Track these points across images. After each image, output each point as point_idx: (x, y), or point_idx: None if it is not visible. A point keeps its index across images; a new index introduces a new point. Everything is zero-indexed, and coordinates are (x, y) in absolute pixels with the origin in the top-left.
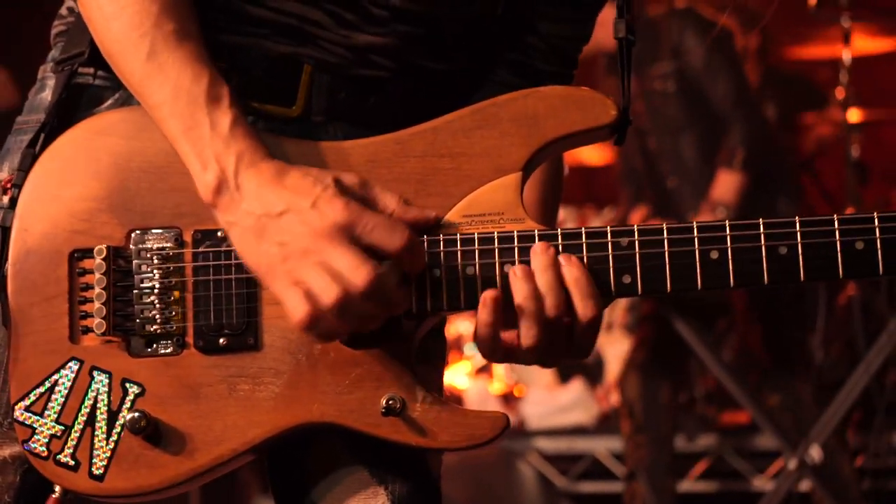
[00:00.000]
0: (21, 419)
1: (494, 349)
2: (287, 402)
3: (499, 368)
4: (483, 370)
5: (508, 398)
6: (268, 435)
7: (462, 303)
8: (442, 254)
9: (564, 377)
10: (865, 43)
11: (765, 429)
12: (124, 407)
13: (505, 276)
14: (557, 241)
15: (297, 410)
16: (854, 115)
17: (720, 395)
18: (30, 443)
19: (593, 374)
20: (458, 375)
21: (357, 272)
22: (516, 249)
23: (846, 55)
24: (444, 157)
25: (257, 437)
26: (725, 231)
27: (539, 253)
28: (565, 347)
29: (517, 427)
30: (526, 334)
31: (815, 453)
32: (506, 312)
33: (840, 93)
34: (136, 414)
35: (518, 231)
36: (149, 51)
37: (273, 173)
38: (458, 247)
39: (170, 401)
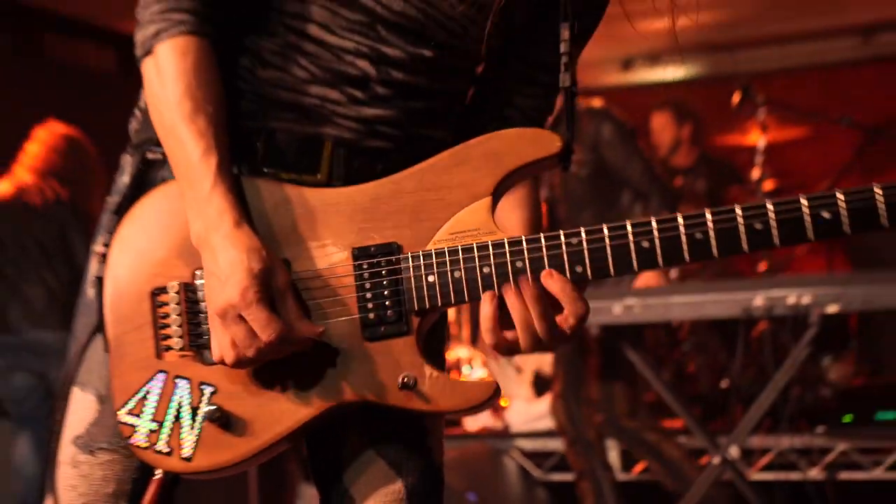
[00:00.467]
0: (124, 420)
1: (498, 342)
2: (326, 387)
3: None
4: None
5: (496, 408)
6: (313, 415)
7: (452, 299)
8: (434, 262)
9: (539, 392)
10: (777, 132)
11: (695, 432)
12: (202, 403)
13: (486, 276)
14: (522, 245)
15: (334, 393)
16: (768, 186)
17: (662, 406)
18: (132, 438)
19: None
20: None
21: (227, 351)
22: (491, 255)
23: (761, 142)
24: (430, 191)
25: (305, 416)
26: (653, 226)
27: (525, 284)
28: (556, 340)
29: (503, 430)
30: (522, 337)
31: (733, 451)
32: (502, 310)
33: (756, 172)
34: (213, 408)
35: (491, 241)
36: (170, 126)
37: (228, 239)
38: (447, 256)
39: (237, 394)
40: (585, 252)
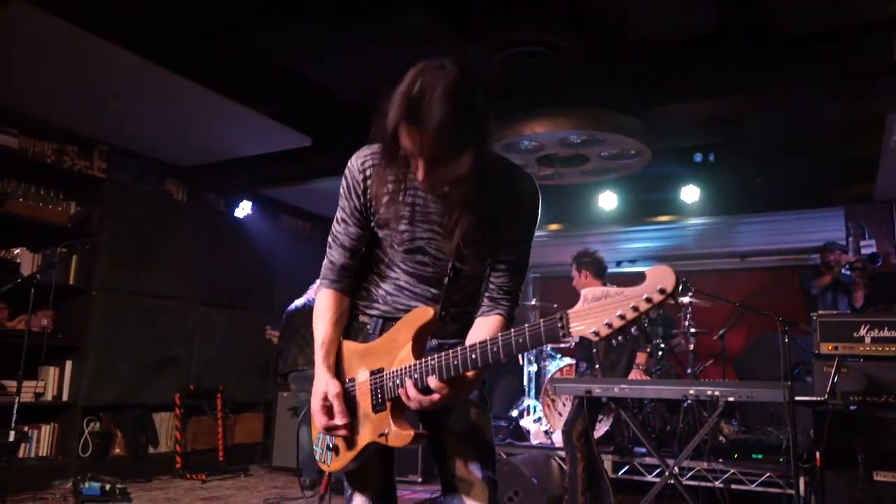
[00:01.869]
0: (315, 450)
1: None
2: (360, 435)
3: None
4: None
5: (548, 433)
6: (357, 451)
7: (395, 392)
8: (391, 375)
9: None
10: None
11: (654, 454)
12: (330, 443)
13: (393, 388)
14: (407, 368)
15: (361, 439)
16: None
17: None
18: (317, 455)
19: None
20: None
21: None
22: (400, 373)
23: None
24: (395, 341)
25: (355, 452)
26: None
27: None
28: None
29: (550, 444)
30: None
31: (676, 469)
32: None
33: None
34: (331, 445)
35: (400, 367)
36: (315, 325)
37: (318, 375)
38: (394, 372)
39: (339, 441)
40: (430, 366)
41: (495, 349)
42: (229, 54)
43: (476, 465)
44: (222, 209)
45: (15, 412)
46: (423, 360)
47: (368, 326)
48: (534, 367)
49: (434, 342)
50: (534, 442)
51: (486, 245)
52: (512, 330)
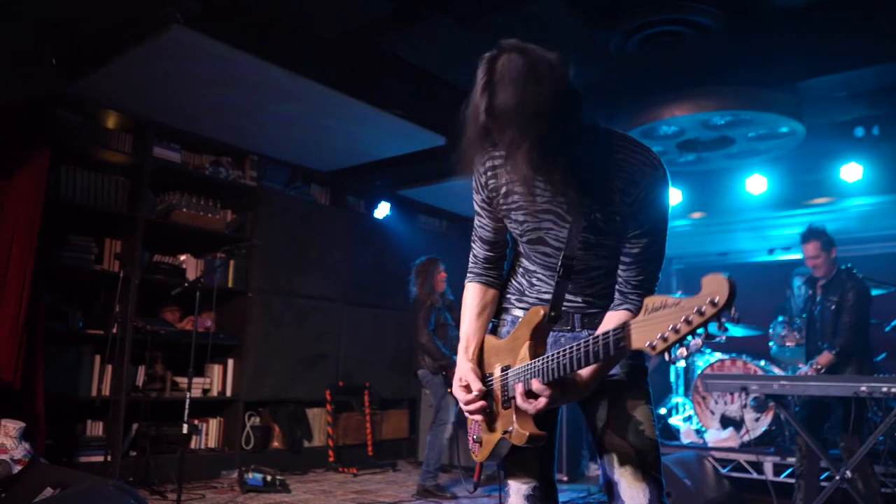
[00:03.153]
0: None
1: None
2: (493, 430)
3: None
4: None
5: (699, 433)
6: (495, 441)
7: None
8: (517, 373)
9: (724, 426)
10: None
11: (821, 455)
12: (477, 433)
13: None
14: (528, 366)
15: (496, 431)
16: None
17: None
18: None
19: None
20: None
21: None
22: (523, 370)
23: None
24: (517, 340)
25: (493, 441)
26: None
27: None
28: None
29: (703, 445)
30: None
31: (849, 473)
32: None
33: None
34: (476, 436)
35: (521, 365)
36: (463, 317)
37: (459, 363)
38: (519, 370)
39: (482, 435)
40: (539, 369)
41: (565, 361)
42: (363, 58)
43: (635, 465)
44: (363, 211)
45: (187, 407)
46: (533, 361)
47: (520, 320)
48: (682, 364)
49: (551, 338)
50: (685, 441)
51: (603, 233)
52: (582, 342)
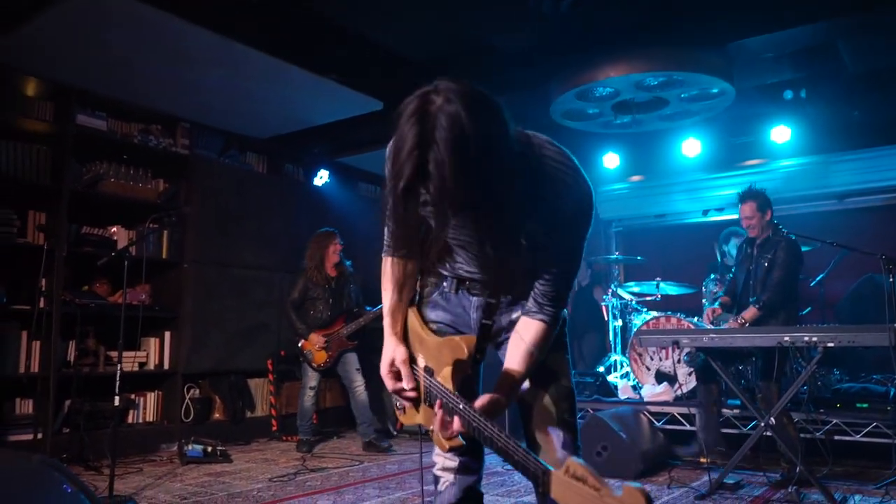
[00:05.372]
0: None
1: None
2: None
3: None
4: None
5: (635, 388)
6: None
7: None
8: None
9: (659, 381)
10: None
11: (749, 407)
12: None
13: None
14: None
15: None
16: None
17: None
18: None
19: None
20: None
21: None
22: (441, 388)
23: None
24: (442, 355)
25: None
26: None
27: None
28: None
29: (639, 399)
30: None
31: (773, 420)
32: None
33: None
34: (398, 404)
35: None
36: (384, 291)
37: (385, 339)
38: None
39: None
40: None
41: (486, 433)
42: (297, 22)
43: (550, 413)
44: (301, 179)
45: (118, 380)
46: (457, 395)
47: (445, 284)
48: (619, 323)
49: (476, 301)
50: (622, 397)
51: (527, 250)
52: (510, 443)
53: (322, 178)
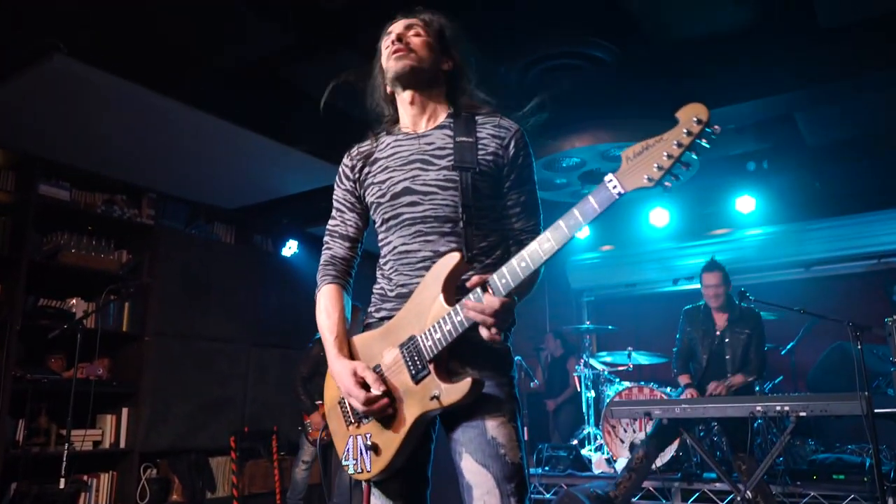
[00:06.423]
0: (344, 463)
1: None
2: (406, 413)
3: None
4: None
5: (610, 462)
6: (407, 431)
7: (441, 346)
8: (429, 333)
9: (632, 453)
10: None
11: (725, 480)
12: (368, 442)
13: (447, 331)
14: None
15: (411, 415)
16: None
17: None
18: (348, 469)
19: None
20: None
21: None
22: (446, 320)
23: None
24: (421, 304)
25: (404, 433)
26: None
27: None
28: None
29: (613, 474)
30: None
31: (749, 494)
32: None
33: None
34: (370, 444)
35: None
36: (321, 321)
37: (335, 366)
38: (432, 329)
39: (377, 434)
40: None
41: (546, 246)
42: (266, 92)
43: (493, 494)
44: (270, 249)
45: (65, 460)
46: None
47: (424, 279)
48: (592, 394)
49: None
50: (596, 471)
51: (476, 173)
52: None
53: (291, 248)
